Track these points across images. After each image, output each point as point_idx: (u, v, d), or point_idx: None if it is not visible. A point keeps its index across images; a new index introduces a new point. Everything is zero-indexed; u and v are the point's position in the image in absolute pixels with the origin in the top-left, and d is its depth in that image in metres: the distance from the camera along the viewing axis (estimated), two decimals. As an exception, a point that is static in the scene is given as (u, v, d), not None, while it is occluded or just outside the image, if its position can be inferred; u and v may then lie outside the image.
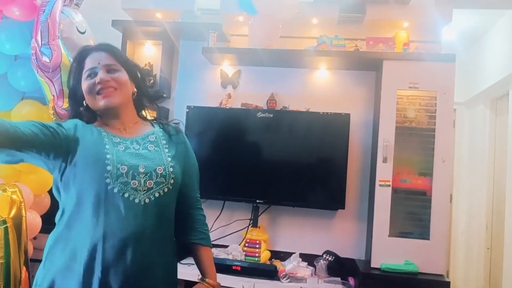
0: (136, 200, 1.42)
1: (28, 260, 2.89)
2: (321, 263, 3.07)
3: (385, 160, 2.94)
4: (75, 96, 1.57)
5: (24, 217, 2.81)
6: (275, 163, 3.24)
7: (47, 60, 2.62)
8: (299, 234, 3.33)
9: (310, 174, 3.20)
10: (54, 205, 3.31)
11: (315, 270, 3.08)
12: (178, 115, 3.48)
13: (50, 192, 3.27)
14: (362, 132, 3.32)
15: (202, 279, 1.61)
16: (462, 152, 4.97)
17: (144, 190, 1.44)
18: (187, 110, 3.32)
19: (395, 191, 2.96)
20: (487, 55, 4.35)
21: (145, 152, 1.51)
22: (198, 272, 1.65)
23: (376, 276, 2.82)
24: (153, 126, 1.64)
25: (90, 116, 1.57)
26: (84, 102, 1.55)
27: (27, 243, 2.86)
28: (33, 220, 3.07)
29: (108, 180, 1.40)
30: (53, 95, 2.72)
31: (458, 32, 4.04)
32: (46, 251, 1.47)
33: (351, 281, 2.98)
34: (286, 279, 2.86)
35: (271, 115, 3.25)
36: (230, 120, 3.33)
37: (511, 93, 3.86)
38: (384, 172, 2.95)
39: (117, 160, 1.43)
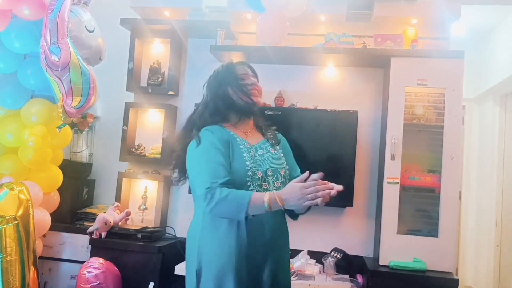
0: None
1: (36, 260, 2.90)
2: (329, 261, 3.07)
3: (393, 157, 2.94)
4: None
5: (31, 215, 2.82)
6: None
7: (56, 59, 2.63)
8: (307, 232, 3.32)
9: (318, 171, 3.19)
10: (63, 203, 3.34)
11: (323, 267, 3.08)
12: (186, 113, 3.46)
13: (59, 190, 3.30)
14: (370, 129, 3.32)
15: None
16: (471, 148, 4.93)
17: (274, 189, 1.72)
18: (195, 107, 3.30)
19: (403, 188, 2.96)
20: (496, 51, 4.31)
21: (269, 156, 1.83)
22: None
23: (384, 273, 2.81)
24: (261, 132, 1.93)
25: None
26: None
27: (35, 242, 2.86)
28: (43, 218, 3.09)
29: (249, 184, 1.71)
30: (62, 94, 2.73)
31: (466, 28, 4.00)
32: None
33: (360, 278, 2.98)
34: (295, 277, 2.86)
35: (279, 113, 3.25)
36: (238, 117, 3.32)
37: (521, 89, 3.83)
38: (392, 169, 2.94)
39: (254, 166, 1.74)
